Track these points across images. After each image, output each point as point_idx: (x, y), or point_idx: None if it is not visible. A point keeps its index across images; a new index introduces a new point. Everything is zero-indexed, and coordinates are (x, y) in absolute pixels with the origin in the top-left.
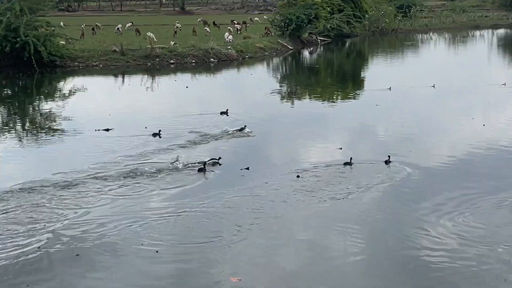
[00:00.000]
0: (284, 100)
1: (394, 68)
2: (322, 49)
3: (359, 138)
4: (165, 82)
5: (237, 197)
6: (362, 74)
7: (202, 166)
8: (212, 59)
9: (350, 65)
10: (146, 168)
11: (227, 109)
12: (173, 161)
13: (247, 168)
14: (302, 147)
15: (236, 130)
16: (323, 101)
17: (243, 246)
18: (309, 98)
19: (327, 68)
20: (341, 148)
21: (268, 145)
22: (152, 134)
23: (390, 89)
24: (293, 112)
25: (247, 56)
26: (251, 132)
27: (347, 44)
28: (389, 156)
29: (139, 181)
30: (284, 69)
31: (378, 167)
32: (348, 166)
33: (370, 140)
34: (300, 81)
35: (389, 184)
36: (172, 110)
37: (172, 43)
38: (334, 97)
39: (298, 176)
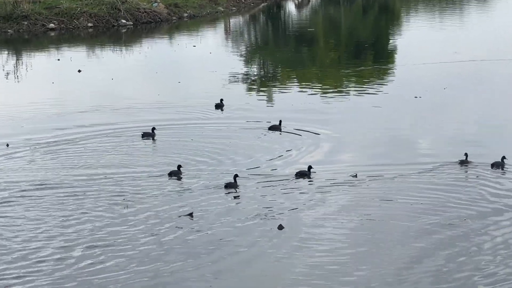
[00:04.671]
0: (253, 91)
1: (446, 35)
2: (319, 0)
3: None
4: (40, 62)
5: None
6: (391, 44)
7: (233, 181)
8: (123, 21)
9: (369, 28)
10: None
11: (222, 99)
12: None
13: (190, 215)
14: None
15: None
16: (323, 92)
17: None
18: (299, 88)
19: (329, 34)
20: (356, 176)
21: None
22: (142, 135)
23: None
24: (271, 112)
25: (186, 15)
26: (285, 127)
27: None
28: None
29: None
30: (252, 37)
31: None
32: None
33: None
34: (282, 57)
35: None
36: (55, 112)
37: None
38: (344, 84)
39: (280, 227)
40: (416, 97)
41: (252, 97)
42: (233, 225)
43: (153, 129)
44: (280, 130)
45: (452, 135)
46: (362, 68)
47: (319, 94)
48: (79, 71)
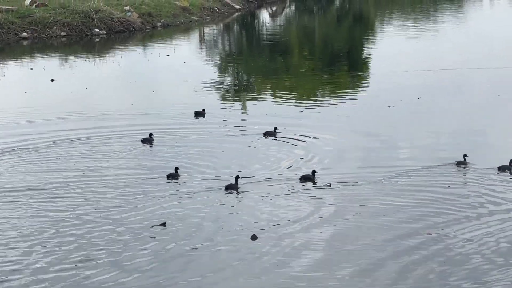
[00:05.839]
0: (228, 100)
1: (421, 44)
2: (293, 9)
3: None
4: (13, 71)
5: None
6: (365, 53)
7: (234, 183)
8: (97, 30)
9: (343, 37)
10: None
11: (203, 109)
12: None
13: (163, 224)
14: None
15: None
16: (298, 100)
17: None
18: (273, 96)
19: (304, 43)
20: (330, 185)
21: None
22: (142, 140)
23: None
24: (246, 120)
25: (159, 24)
26: (280, 132)
27: (337, 1)
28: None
29: None
30: (227, 46)
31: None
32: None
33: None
34: (256, 66)
35: None
36: (27, 120)
37: (27, 1)
38: (318, 93)
39: (254, 237)
40: (389, 106)
41: (227, 106)
42: (207, 233)
43: (151, 134)
44: (275, 136)
45: (429, 141)
46: (336, 77)
47: (293, 103)
48: (52, 80)
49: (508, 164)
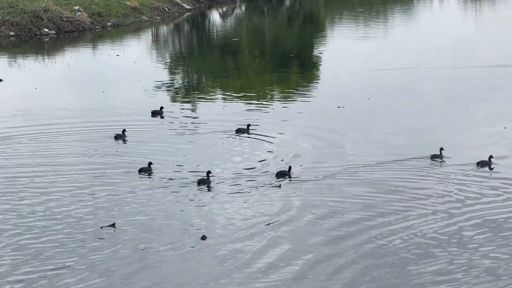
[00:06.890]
0: (178, 101)
1: (371, 44)
2: (243, 9)
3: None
4: None
5: None
6: (315, 53)
7: (206, 177)
8: (46, 30)
9: (293, 38)
10: None
11: (162, 107)
12: None
13: (112, 225)
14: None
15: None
16: (248, 101)
17: None
18: (224, 97)
19: (254, 44)
20: (280, 186)
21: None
22: (115, 137)
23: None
24: (197, 123)
25: (109, 24)
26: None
27: (287, 1)
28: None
29: None
30: (177, 46)
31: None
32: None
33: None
34: (207, 67)
35: None
36: None
37: None
38: (268, 94)
39: (203, 238)
40: (339, 107)
41: (179, 105)
42: (156, 234)
43: (124, 131)
44: (248, 133)
45: (385, 138)
46: (287, 77)
47: (242, 106)
48: (1, 80)
49: (488, 160)
